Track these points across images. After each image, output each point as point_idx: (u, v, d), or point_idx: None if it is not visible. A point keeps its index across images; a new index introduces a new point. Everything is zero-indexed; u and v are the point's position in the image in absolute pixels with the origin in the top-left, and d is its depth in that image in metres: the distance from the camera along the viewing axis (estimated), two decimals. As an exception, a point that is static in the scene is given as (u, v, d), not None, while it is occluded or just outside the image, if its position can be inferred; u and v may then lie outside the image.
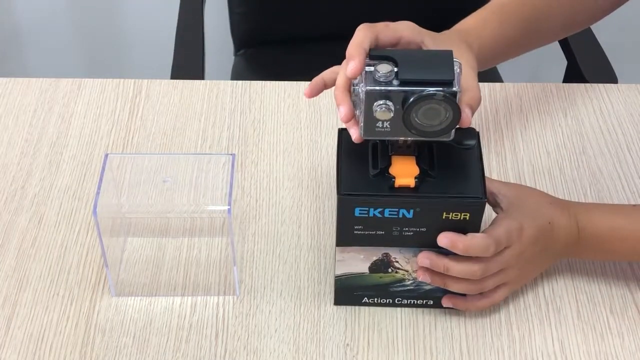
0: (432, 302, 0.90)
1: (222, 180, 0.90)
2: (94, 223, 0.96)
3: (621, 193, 1.03)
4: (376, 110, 0.75)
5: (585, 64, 1.35)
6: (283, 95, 1.16)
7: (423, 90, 0.74)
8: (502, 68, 1.65)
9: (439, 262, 0.84)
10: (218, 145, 1.09)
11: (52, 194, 1.02)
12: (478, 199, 0.81)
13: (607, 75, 1.32)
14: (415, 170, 0.80)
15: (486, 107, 1.15)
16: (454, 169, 0.82)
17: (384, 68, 0.75)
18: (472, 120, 1.08)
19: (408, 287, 0.89)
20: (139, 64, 2.12)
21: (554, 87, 1.19)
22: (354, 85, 0.79)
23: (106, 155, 0.89)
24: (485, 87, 1.18)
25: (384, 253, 0.85)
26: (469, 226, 0.82)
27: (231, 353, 0.87)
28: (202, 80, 1.20)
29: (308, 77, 1.18)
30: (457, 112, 0.75)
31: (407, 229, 0.83)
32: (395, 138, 0.79)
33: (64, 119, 1.12)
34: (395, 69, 0.75)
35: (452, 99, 0.74)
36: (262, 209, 1.01)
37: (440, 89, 0.74)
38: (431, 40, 0.85)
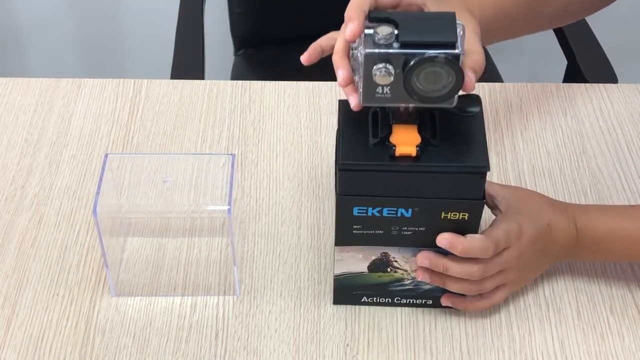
0: (431, 302, 0.90)
1: (222, 180, 0.90)
2: (94, 223, 0.96)
3: (621, 193, 1.03)
4: (376, 74, 0.72)
5: (585, 64, 1.35)
6: (283, 95, 1.16)
7: (424, 53, 0.71)
8: (502, 68, 1.65)
9: (438, 262, 0.83)
10: (218, 145, 1.09)
11: (52, 194, 1.02)
12: (477, 200, 0.80)
13: (607, 75, 1.32)
14: (417, 138, 0.78)
15: (486, 107, 1.15)
16: (456, 137, 0.80)
17: (384, 30, 0.72)
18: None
19: (407, 287, 0.89)
20: (139, 64, 2.12)
21: (554, 87, 1.19)
22: (352, 49, 0.77)
23: (106, 155, 0.89)
24: (485, 87, 1.18)
25: (383, 252, 0.85)
26: (468, 226, 0.82)
27: (231, 353, 0.87)
28: (202, 80, 1.19)
29: (308, 77, 1.18)
30: (460, 76, 0.73)
31: (405, 228, 0.82)
32: (396, 104, 0.76)
33: (64, 119, 1.12)
34: (396, 32, 0.73)
35: (454, 62, 0.72)
36: (262, 209, 1.01)
37: (443, 51, 0.71)
38: (434, 3, 0.83)
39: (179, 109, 1.14)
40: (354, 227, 0.83)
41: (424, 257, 0.84)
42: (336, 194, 0.81)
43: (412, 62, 0.72)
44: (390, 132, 0.78)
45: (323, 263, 0.95)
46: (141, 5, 2.01)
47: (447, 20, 0.73)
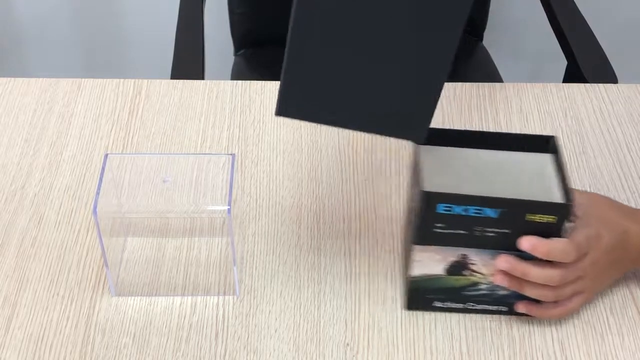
0: (505, 309, 0.89)
1: (222, 180, 0.90)
2: (94, 223, 0.96)
3: (621, 193, 1.03)
4: None
5: (585, 64, 1.35)
6: (283, 95, 1.16)
7: None
8: (502, 68, 1.65)
9: (518, 266, 0.82)
10: (218, 145, 1.09)
11: (52, 194, 1.02)
12: (566, 203, 0.80)
13: (607, 75, 1.32)
14: None
15: (486, 107, 1.15)
16: None
17: None
18: (470, 123, 1.08)
19: (482, 292, 0.87)
20: (139, 64, 2.12)
21: (554, 87, 1.19)
22: None
23: (106, 155, 0.89)
24: (485, 87, 1.18)
25: (462, 254, 0.84)
26: (553, 230, 0.81)
27: (231, 353, 0.87)
28: (202, 80, 1.20)
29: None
30: None
31: (489, 229, 0.81)
32: None
33: (64, 119, 1.12)
34: None
35: None
36: (262, 209, 1.01)
37: None
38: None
39: (179, 109, 1.14)
40: (436, 225, 0.81)
41: (504, 261, 0.82)
42: (421, 190, 0.79)
43: None
44: None
45: (323, 263, 0.95)
46: (141, 5, 2.01)
47: None
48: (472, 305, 0.89)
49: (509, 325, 0.90)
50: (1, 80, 1.18)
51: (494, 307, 0.89)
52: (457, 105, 1.15)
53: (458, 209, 0.80)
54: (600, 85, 1.19)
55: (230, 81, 1.19)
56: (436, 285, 0.87)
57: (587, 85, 1.19)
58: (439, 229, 0.82)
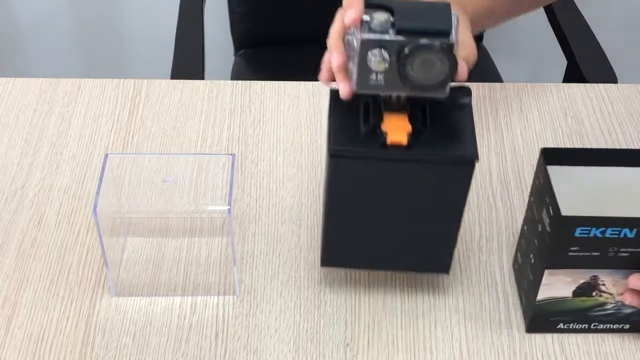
0: (628, 327, 0.88)
1: (222, 180, 0.90)
2: (94, 223, 0.96)
3: (621, 193, 1.03)
4: (371, 60, 0.73)
5: (585, 64, 1.35)
6: (283, 95, 1.16)
7: (419, 40, 0.72)
8: (502, 68, 1.65)
9: None
10: (218, 145, 1.09)
11: (52, 194, 1.02)
12: None
13: (607, 75, 1.33)
14: (407, 127, 0.77)
15: (486, 107, 1.15)
16: (447, 127, 0.80)
17: (380, 17, 0.73)
18: (478, 120, 1.08)
19: (608, 312, 0.86)
20: (139, 64, 2.12)
21: (554, 87, 1.19)
22: (346, 36, 0.77)
23: (106, 155, 0.89)
24: (485, 87, 1.18)
25: (593, 276, 0.82)
26: None
27: (231, 353, 0.87)
28: (202, 80, 1.20)
29: (308, 77, 1.18)
30: (453, 64, 0.73)
31: (624, 249, 0.80)
32: (389, 92, 0.77)
33: (64, 119, 1.12)
34: (391, 19, 0.73)
35: (449, 50, 0.72)
36: (262, 209, 1.01)
37: (437, 39, 0.72)
38: None
39: (179, 109, 1.14)
40: (571, 249, 0.80)
41: (638, 280, 0.81)
42: (557, 214, 0.78)
43: (407, 49, 0.72)
44: (381, 121, 0.78)
45: (323, 263, 0.95)
46: (141, 5, 2.01)
47: (443, 10, 0.74)
48: (596, 325, 0.88)
49: (509, 325, 0.90)
50: (1, 80, 1.18)
51: (618, 326, 0.88)
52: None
53: (596, 231, 0.78)
54: (600, 85, 1.19)
55: (231, 81, 1.19)
56: (562, 307, 0.85)
57: (587, 85, 1.19)
58: (574, 252, 0.80)
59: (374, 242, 0.85)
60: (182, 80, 1.19)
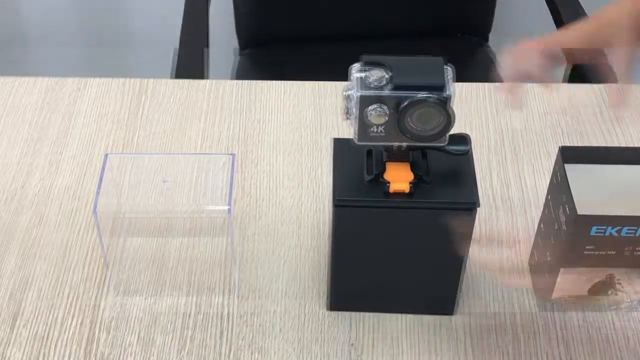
0: None
1: (222, 180, 0.90)
2: (94, 223, 0.97)
3: (620, 193, 1.03)
4: (371, 114, 0.76)
5: (586, 64, 1.35)
6: (286, 95, 1.17)
7: (416, 95, 0.75)
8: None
9: None
10: (219, 145, 1.09)
11: (52, 194, 1.03)
12: None
13: (607, 75, 1.32)
14: (409, 175, 0.81)
15: (486, 107, 1.15)
16: (448, 174, 0.82)
17: (377, 74, 0.76)
18: (471, 123, 1.08)
19: (622, 310, 0.87)
20: (144, 63, 2.13)
21: (554, 87, 1.19)
22: (346, 91, 0.79)
23: (106, 155, 0.89)
24: (485, 87, 1.18)
25: (609, 274, 0.83)
26: None
27: (235, 352, 0.87)
28: (206, 80, 1.20)
29: (311, 77, 1.19)
30: (449, 117, 0.76)
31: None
32: (390, 143, 0.80)
33: (69, 118, 1.13)
34: (387, 75, 0.76)
35: (444, 103, 0.76)
36: (262, 209, 1.01)
37: (433, 93, 0.75)
38: None
39: (183, 109, 1.14)
40: (587, 247, 0.80)
41: None
42: (573, 213, 0.78)
43: (405, 103, 0.75)
44: (384, 170, 0.81)
45: (324, 263, 0.95)
46: (146, 5, 2.01)
47: (436, 65, 0.77)
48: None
49: (514, 326, 0.90)
50: (6, 80, 1.19)
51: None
52: (457, 105, 1.15)
53: (611, 230, 0.78)
54: (600, 85, 1.19)
55: (234, 81, 1.19)
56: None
57: (587, 85, 1.19)
58: (590, 250, 0.80)
59: (379, 287, 0.89)
60: (187, 80, 1.19)
